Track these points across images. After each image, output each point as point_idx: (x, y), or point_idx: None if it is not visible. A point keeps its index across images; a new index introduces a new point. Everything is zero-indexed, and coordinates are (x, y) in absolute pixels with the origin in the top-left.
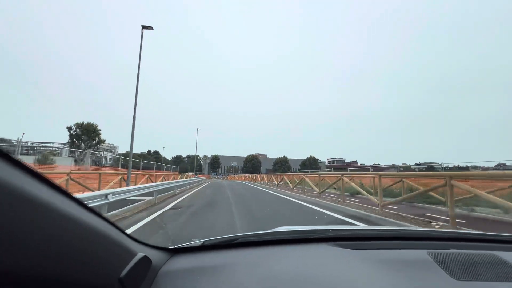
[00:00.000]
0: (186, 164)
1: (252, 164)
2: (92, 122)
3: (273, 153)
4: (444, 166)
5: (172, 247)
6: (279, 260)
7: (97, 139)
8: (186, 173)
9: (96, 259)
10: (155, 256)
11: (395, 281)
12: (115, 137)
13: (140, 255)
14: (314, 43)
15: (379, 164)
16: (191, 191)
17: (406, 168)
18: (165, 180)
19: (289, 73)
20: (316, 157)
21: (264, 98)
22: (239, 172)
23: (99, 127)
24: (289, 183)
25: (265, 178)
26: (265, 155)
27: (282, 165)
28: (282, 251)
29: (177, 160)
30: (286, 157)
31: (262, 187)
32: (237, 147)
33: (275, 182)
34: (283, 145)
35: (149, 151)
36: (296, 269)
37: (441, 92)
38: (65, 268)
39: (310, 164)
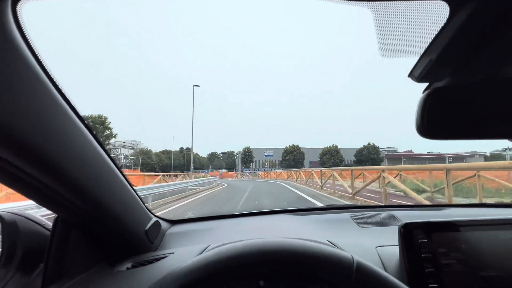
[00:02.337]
0: (221, 161)
1: (293, 157)
2: (101, 114)
3: (316, 143)
4: None
5: (173, 219)
6: (247, 223)
7: (106, 132)
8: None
9: (135, 217)
10: (162, 223)
11: (324, 228)
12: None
13: (154, 219)
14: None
15: (442, 154)
16: None
17: (495, 156)
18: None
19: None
20: (376, 145)
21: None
22: (277, 167)
23: (109, 120)
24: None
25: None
26: (308, 147)
27: (332, 156)
28: (250, 219)
29: (212, 156)
30: (337, 146)
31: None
32: (272, 139)
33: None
34: (328, 135)
35: (181, 148)
36: (258, 224)
37: None
38: (124, 221)
39: (369, 153)
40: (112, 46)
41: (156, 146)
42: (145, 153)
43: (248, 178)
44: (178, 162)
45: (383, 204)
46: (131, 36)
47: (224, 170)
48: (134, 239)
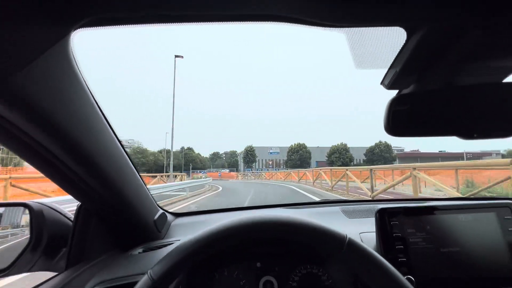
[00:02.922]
0: (223, 161)
1: (299, 156)
2: None
3: (322, 142)
4: None
5: (178, 212)
6: (247, 213)
7: None
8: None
9: (146, 208)
10: (168, 215)
11: (316, 219)
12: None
13: (161, 211)
14: None
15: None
16: None
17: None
18: None
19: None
20: (388, 142)
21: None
22: (281, 166)
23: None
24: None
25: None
26: (314, 146)
27: (341, 155)
28: (251, 212)
29: (215, 156)
30: (346, 144)
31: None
32: (276, 138)
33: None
34: (334, 133)
35: (182, 148)
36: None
37: None
38: (137, 211)
39: (381, 151)
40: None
41: (154, 146)
42: (139, 152)
43: (250, 179)
44: (177, 162)
45: (370, 199)
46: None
47: (226, 170)
48: (145, 227)
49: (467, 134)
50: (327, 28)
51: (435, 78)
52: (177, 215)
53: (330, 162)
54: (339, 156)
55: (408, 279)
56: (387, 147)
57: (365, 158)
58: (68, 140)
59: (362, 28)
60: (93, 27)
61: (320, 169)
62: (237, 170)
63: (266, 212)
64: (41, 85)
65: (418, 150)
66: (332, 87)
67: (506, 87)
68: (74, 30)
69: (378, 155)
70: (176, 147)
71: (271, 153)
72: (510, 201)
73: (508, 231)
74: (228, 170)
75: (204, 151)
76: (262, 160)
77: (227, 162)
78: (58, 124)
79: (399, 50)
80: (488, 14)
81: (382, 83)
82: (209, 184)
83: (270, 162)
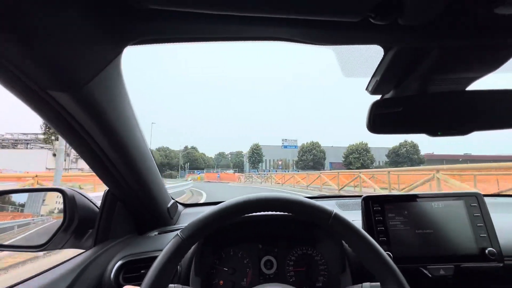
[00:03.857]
0: (228, 161)
1: (312, 156)
2: None
3: (335, 142)
4: None
5: (188, 203)
6: None
7: None
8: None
9: (162, 196)
10: (178, 205)
11: None
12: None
13: (173, 200)
14: None
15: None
16: None
17: None
18: None
19: None
20: (414, 142)
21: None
22: (293, 167)
23: None
24: None
25: None
26: (328, 145)
27: (360, 155)
28: None
29: (220, 156)
30: (367, 144)
31: None
32: (285, 137)
33: None
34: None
35: (186, 147)
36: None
37: None
38: (155, 199)
39: (408, 152)
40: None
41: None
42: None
43: (254, 183)
44: (177, 161)
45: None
46: None
47: (230, 171)
48: (160, 214)
49: (433, 132)
50: (320, 46)
51: (408, 86)
52: (186, 205)
53: (348, 163)
54: (359, 157)
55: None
56: (414, 147)
57: (387, 160)
58: (114, 136)
59: (348, 46)
60: (141, 45)
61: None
62: (243, 171)
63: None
64: (103, 93)
65: (433, 153)
66: (348, 82)
67: (468, 94)
68: (126, 48)
69: (403, 157)
70: (180, 147)
71: (285, 146)
72: (478, 192)
73: (474, 217)
74: (232, 171)
75: (209, 151)
76: (269, 160)
77: (232, 162)
78: (110, 122)
79: (379, 61)
80: (445, 38)
81: (366, 89)
82: (190, 189)
83: (280, 162)
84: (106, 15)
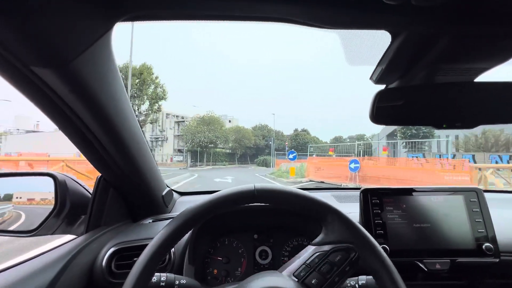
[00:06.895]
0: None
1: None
2: (147, 63)
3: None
4: None
5: (183, 191)
6: None
7: (156, 105)
8: None
9: (157, 184)
10: (174, 193)
11: None
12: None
13: (168, 188)
14: None
15: None
16: None
17: None
18: None
19: None
20: None
21: None
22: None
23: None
24: None
25: None
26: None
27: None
28: None
29: (336, 141)
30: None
31: None
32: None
33: None
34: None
35: (295, 130)
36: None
37: None
38: (149, 185)
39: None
40: None
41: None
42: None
43: None
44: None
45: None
46: None
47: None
48: (154, 201)
49: (438, 124)
50: (326, 30)
51: (415, 76)
52: (181, 193)
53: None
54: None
55: (384, 248)
56: None
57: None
58: (103, 117)
59: (354, 30)
60: (132, 21)
61: None
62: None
63: None
64: (91, 71)
65: None
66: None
67: (476, 86)
68: (116, 24)
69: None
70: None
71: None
72: (478, 187)
73: (472, 212)
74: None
75: (323, 135)
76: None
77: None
78: (99, 102)
79: (385, 49)
80: (457, 23)
81: (370, 78)
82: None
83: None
84: None
